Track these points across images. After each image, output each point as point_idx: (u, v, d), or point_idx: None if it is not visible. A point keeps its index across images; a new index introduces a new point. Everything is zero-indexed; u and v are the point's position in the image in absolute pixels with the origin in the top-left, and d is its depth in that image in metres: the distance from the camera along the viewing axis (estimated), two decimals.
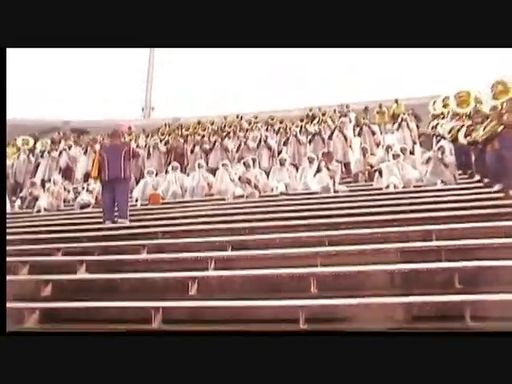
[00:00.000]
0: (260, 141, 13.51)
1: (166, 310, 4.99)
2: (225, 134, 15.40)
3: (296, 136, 13.50)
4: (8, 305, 5.29)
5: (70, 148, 15.29)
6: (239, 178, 10.16)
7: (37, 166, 14.76)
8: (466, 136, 9.14)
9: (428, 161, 10.03)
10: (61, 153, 14.88)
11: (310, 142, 13.20)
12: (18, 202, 12.52)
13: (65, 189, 12.61)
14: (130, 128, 17.66)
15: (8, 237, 7.96)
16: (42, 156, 14.88)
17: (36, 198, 11.98)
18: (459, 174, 10.19)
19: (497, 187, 7.83)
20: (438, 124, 11.80)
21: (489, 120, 8.15)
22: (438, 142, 11.81)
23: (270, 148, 13.40)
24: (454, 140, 10.19)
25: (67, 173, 14.48)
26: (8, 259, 6.74)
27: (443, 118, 11.55)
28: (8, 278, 6.05)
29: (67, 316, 5.34)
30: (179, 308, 5.13)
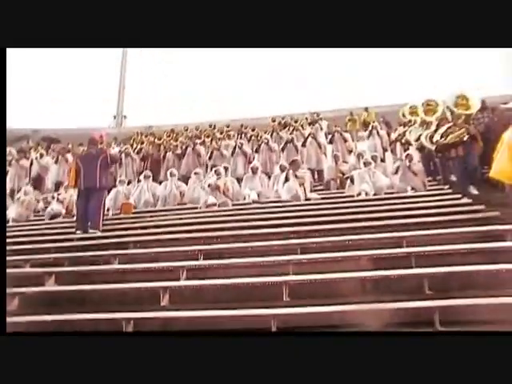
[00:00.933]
0: (235, 147, 13.51)
1: (137, 320, 4.93)
2: (197, 141, 15.36)
3: (267, 143, 13.52)
4: None
5: (41, 157, 15.06)
6: (209, 186, 10.12)
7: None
8: (430, 140, 9.30)
9: (397, 170, 10.18)
10: (31, 162, 14.65)
11: (282, 149, 13.24)
12: None
13: (34, 198, 12.40)
14: (101, 136, 17.44)
15: None
16: (9, 165, 14.60)
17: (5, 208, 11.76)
18: (429, 181, 10.36)
19: (465, 199, 7.99)
20: (405, 131, 11.99)
21: (452, 126, 8.34)
22: (405, 149, 12.01)
23: (245, 155, 13.41)
24: (421, 148, 10.37)
25: (38, 182, 14.25)
26: None
27: (411, 125, 11.73)
28: None
29: (36, 329, 5.22)
30: (151, 319, 5.07)
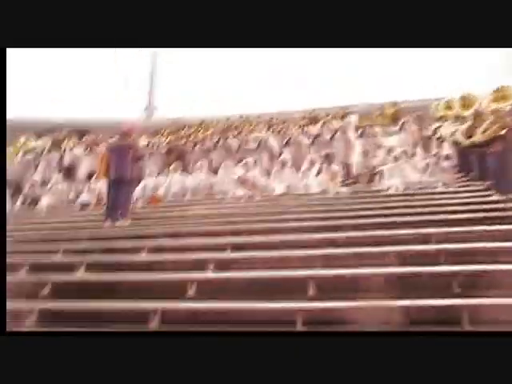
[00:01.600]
0: (260, 142, 13.51)
1: (164, 311, 4.99)
2: (228, 133, 15.39)
3: (297, 137, 13.48)
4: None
5: (73, 147, 15.29)
6: (239, 179, 10.16)
7: (37, 166, 14.74)
8: (467, 138, 9.15)
9: (427, 167, 10.05)
10: (64, 152, 14.89)
11: (312, 143, 13.20)
12: (20, 201, 12.52)
13: (66, 189, 12.63)
14: (132, 128, 17.63)
15: (9, 234, 8.06)
16: (41, 155, 14.87)
17: (37, 198, 12.01)
18: (461, 177, 10.20)
19: (498, 196, 7.82)
20: (439, 126, 11.79)
21: (490, 122, 8.16)
22: (438, 145, 11.84)
23: (270, 149, 13.38)
24: (456, 143, 10.20)
25: (69, 172, 14.48)
26: (8, 258, 6.84)
27: (445, 120, 11.54)
28: (8, 277, 6.13)
29: (66, 317, 5.33)
30: (178, 310, 5.13)
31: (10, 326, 4.94)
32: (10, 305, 5.25)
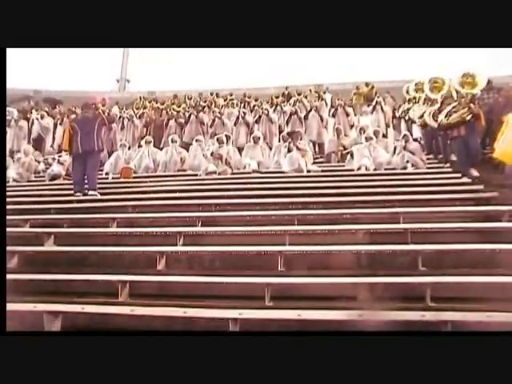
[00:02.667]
0: (238, 117, 13.47)
1: (133, 284, 4.99)
2: (200, 108, 15.26)
3: (268, 115, 13.42)
4: None
5: (42, 118, 14.95)
6: (211, 154, 10.13)
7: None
8: (433, 118, 9.27)
9: (395, 150, 10.18)
10: (32, 122, 14.57)
11: (287, 122, 13.20)
12: None
13: (35, 159, 12.39)
14: (104, 99, 17.32)
15: None
16: (9, 125, 14.50)
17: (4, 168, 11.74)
18: (429, 159, 10.36)
19: (465, 179, 7.98)
20: (409, 108, 11.92)
21: (456, 105, 8.29)
22: (408, 127, 11.99)
23: (247, 125, 13.33)
24: (424, 125, 10.34)
25: (38, 143, 14.19)
26: None
27: (416, 102, 11.65)
28: None
29: (35, 288, 5.30)
30: (147, 282, 5.14)
31: None
32: None
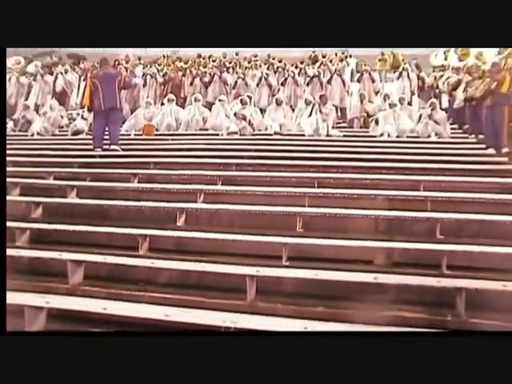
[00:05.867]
0: (261, 79, 13.36)
1: (153, 238, 5.08)
2: (224, 69, 15.11)
3: (294, 77, 13.30)
4: None
5: (66, 72, 14.92)
6: (235, 114, 10.10)
7: (29, 89, 14.43)
8: (463, 91, 9.11)
9: (420, 118, 10.03)
10: (56, 76, 14.57)
11: (308, 84, 13.07)
12: (11, 124, 12.37)
13: (58, 114, 12.46)
14: (127, 56, 17.24)
15: None
16: (34, 79, 14.54)
17: (29, 122, 11.82)
18: (454, 129, 10.22)
19: (490, 150, 7.86)
20: (438, 77, 11.70)
21: (485, 76, 8.13)
22: (435, 95, 11.77)
23: (270, 86, 13.22)
24: (451, 94, 10.17)
25: (62, 98, 14.19)
26: None
27: (443, 71, 11.43)
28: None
29: (57, 238, 5.43)
30: (166, 238, 5.22)
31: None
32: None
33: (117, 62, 9.66)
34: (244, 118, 9.94)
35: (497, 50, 8.28)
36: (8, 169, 7.38)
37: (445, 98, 11.53)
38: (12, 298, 3.70)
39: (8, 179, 6.85)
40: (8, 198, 6.43)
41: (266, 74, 13.77)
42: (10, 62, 14.87)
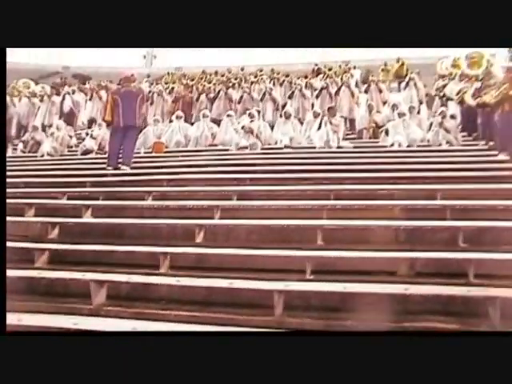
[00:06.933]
0: (265, 93, 13.41)
1: (173, 256, 5.04)
2: (230, 84, 15.20)
3: (301, 90, 13.39)
4: (18, 245, 5.43)
5: (73, 92, 15.07)
6: (242, 128, 10.11)
7: (37, 111, 14.54)
8: (474, 98, 9.08)
9: (430, 126, 10.03)
10: (64, 97, 14.68)
11: (317, 96, 13.12)
12: (21, 146, 12.43)
13: (67, 134, 12.54)
14: (132, 75, 17.32)
15: (11, 180, 8.04)
16: (41, 100, 14.66)
17: (38, 143, 11.91)
18: (464, 136, 10.21)
19: (503, 155, 7.81)
20: (444, 85, 11.70)
21: (501, 82, 8.09)
22: (442, 104, 11.77)
23: (274, 101, 13.28)
24: (461, 102, 10.16)
25: (70, 118, 14.31)
26: (13, 201, 6.87)
27: (451, 78, 11.44)
28: (16, 219, 6.18)
29: (75, 259, 5.39)
30: (186, 254, 5.17)
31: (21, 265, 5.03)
32: (20, 244, 5.38)
33: (132, 79, 9.63)
34: (251, 132, 9.94)
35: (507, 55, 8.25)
36: (21, 190, 7.52)
37: (452, 106, 11.53)
38: (38, 320, 3.69)
39: (22, 200, 6.93)
40: (23, 219, 6.48)
41: (270, 88, 13.81)
42: (19, 84, 15.02)
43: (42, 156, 11.11)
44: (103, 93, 13.77)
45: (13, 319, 3.65)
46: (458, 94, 10.17)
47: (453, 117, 10.45)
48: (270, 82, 15.37)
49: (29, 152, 11.97)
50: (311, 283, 4.13)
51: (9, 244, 5.37)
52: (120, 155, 8.66)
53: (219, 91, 14.02)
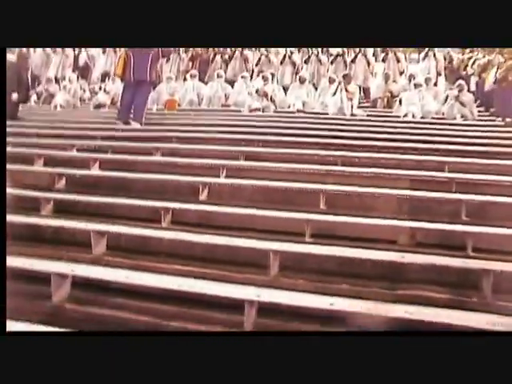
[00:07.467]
0: (284, 56, 13.26)
1: (176, 211, 5.08)
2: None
3: (317, 55, 13.19)
4: (25, 192, 5.51)
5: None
6: (256, 91, 10.03)
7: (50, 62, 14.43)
8: (496, 73, 8.93)
9: (446, 99, 9.87)
10: (80, 50, 14.57)
11: (331, 62, 12.91)
12: (34, 97, 12.43)
13: (81, 87, 12.53)
14: None
15: (23, 129, 8.11)
16: (54, 52, 14.52)
17: (52, 95, 11.92)
18: (480, 112, 10.06)
19: None
20: (468, 58, 11.50)
21: None
22: (459, 77, 11.56)
23: (294, 64, 13.14)
24: (480, 76, 9.98)
25: (84, 71, 14.24)
26: (24, 150, 6.94)
27: (472, 51, 11.22)
28: (25, 167, 6.26)
29: (80, 210, 5.46)
30: (189, 211, 5.21)
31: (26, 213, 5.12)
32: (27, 193, 5.46)
33: None
34: (266, 95, 9.87)
35: None
36: (31, 140, 7.57)
37: (473, 81, 11.34)
38: (39, 264, 3.77)
39: (31, 150, 6.99)
40: (32, 168, 6.55)
41: (290, 51, 13.62)
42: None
43: (55, 108, 11.11)
44: None
45: (17, 262, 3.76)
46: (478, 67, 9.97)
47: (470, 90, 10.27)
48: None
49: (42, 103, 11.98)
50: (308, 245, 4.16)
51: (18, 191, 5.55)
52: (132, 111, 8.65)
53: (235, 51, 13.84)
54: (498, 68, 9.07)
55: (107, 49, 14.45)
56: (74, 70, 13.90)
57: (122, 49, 10.03)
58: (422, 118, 9.47)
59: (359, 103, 10.99)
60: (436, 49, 13.33)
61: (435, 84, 11.61)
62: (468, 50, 11.68)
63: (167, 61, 13.75)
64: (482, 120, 9.55)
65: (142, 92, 8.56)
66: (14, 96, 9.12)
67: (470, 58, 11.38)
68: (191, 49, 14.98)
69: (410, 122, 9.06)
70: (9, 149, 7.12)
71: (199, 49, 14.96)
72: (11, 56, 11.87)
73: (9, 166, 6.04)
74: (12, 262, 3.80)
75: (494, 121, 9.34)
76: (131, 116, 8.62)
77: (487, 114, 10.07)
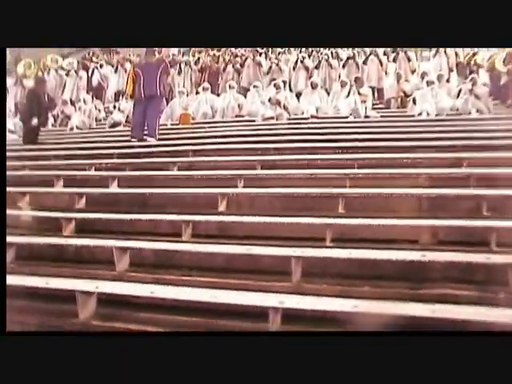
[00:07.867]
0: (297, 61, 13.32)
1: (195, 224, 5.10)
2: (258, 54, 15.06)
3: (328, 60, 13.21)
4: (46, 214, 5.59)
5: (101, 66, 15.17)
6: (269, 100, 10.07)
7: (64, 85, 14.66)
8: (505, 64, 8.85)
9: (459, 93, 9.79)
10: (92, 71, 14.79)
11: (343, 66, 12.91)
12: (52, 120, 12.61)
13: (96, 108, 12.69)
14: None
15: (41, 152, 8.25)
16: (67, 74, 14.75)
17: (68, 116, 12.10)
18: (496, 105, 9.95)
19: None
20: (476, 52, 11.41)
21: None
22: (472, 71, 11.48)
23: (306, 69, 13.18)
24: (492, 69, 9.89)
25: (98, 92, 14.43)
26: (43, 173, 7.06)
27: None
28: (45, 189, 6.36)
29: (101, 227, 5.51)
30: (209, 223, 5.23)
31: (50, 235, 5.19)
32: (49, 214, 5.54)
33: (156, 52, 9.68)
34: (278, 103, 9.90)
35: None
36: (50, 162, 7.69)
37: (482, 73, 11.23)
38: (64, 283, 3.82)
39: (51, 172, 7.10)
40: (52, 190, 6.65)
41: (302, 56, 13.67)
42: (47, 59, 15.17)
43: (72, 129, 11.27)
44: (128, 65, 13.80)
45: (41, 282, 3.81)
46: (488, 59, 9.88)
47: (484, 84, 10.18)
48: (299, 51, 15.15)
49: (59, 126, 12.16)
50: (328, 249, 4.15)
51: (39, 213, 5.64)
52: (145, 127, 8.74)
53: (246, 59, 13.91)
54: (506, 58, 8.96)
55: (119, 67, 14.66)
56: (88, 92, 14.09)
57: (130, 66, 10.18)
58: (436, 115, 9.40)
59: (373, 105, 10.96)
60: None
61: (447, 80, 11.52)
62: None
63: (179, 73, 13.90)
64: (497, 113, 9.44)
65: (154, 106, 8.66)
66: (35, 121, 9.33)
67: (475, 54, 11.30)
68: (201, 60, 15.13)
69: (424, 121, 9.00)
70: (29, 172, 7.33)
71: (209, 59, 15.11)
72: (29, 82, 12.17)
73: (30, 189, 6.23)
74: (37, 282, 3.90)
75: (510, 113, 9.22)
76: (145, 132, 8.70)
77: (504, 106, 9.95)
